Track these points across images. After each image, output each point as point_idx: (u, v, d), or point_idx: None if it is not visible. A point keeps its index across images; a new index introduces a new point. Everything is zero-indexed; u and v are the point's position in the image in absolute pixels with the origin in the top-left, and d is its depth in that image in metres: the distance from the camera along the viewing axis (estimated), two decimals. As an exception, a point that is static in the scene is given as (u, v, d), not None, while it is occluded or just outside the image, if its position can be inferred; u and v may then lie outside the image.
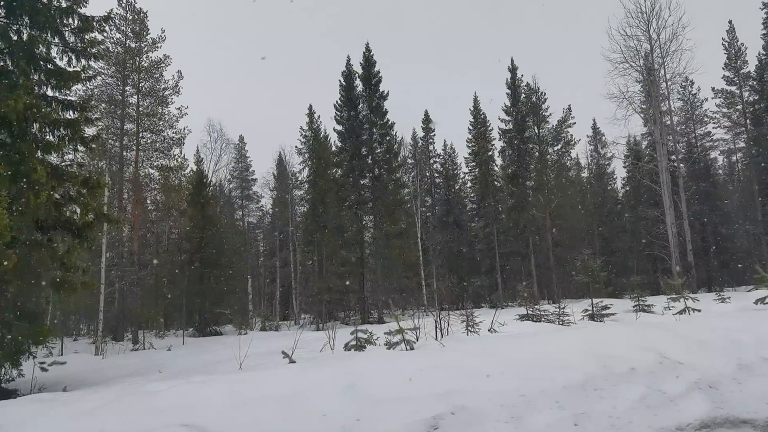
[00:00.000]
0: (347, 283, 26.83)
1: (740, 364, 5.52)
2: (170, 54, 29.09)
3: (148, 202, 28.67)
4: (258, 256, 47.05)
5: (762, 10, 29.19)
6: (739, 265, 31.14)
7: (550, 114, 35.45)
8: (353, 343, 8.12)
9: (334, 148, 32.76)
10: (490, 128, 38.31)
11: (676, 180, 26.24)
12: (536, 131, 35.60)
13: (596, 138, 43.29)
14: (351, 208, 29.76)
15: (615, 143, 38.89)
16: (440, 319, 9.21)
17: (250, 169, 45.88)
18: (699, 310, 10.00)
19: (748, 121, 31.24)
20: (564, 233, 34.90)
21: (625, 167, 37.71)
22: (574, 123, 35.71)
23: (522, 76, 35.71)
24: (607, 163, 42.72)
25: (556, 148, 36.88)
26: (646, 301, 12.79)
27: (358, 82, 30.90)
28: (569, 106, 35.45)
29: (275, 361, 8.01)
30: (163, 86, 27.08)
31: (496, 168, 38.28)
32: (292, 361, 7.13)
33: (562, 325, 10.92)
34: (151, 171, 27.10)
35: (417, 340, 7.72)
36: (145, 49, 26.66)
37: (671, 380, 5.09)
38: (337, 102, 30.76)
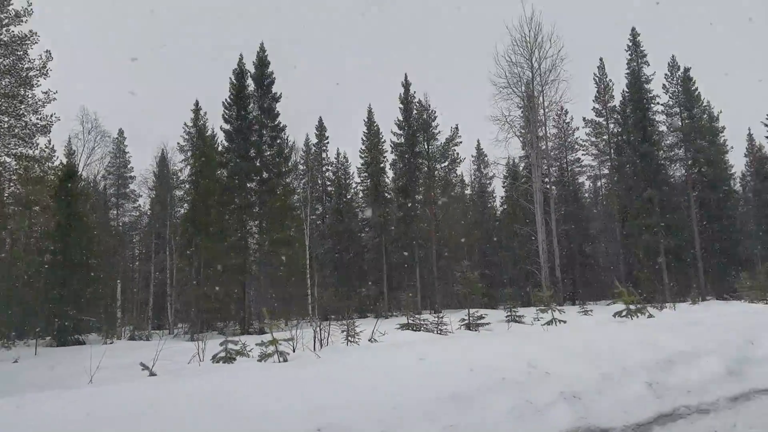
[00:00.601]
0: (229, 291, 25.55)
1: (602, 373, 5.75)
2: (41, 32, 25.98)
3: (5, 195, 25.31)
4: (133, 260, 43.56)
5: (626, 51, 32.58)
6: (601, 280, 34.22)
7: (439, 132, 36.82)
8: (222, 354, 7.51)
9: (220, 148, 31.25)
10: (382, 140, 38.85)
11: (548, 201, 28.26)
12: (426, 147, 36.71)
13: (479, 158, 45.68)
14: (236, 211, 28.44)
15: (496, 164, 41.23)
16: (320, 329, 8.90)
17: (129, 166, 42.37)
18: (565, 321, 10.59)
19: (612, 150, 34.62)
20: (448, 246, 36.18)
21: (504, 187, 40.14)
22: (461, 142, 37.31)
23: (414, 92, 36.76)
24: (488, 182, 45.26)
25: (443, 165, 38.26)
26: (517, 312, 13.39)
27: (250, 81, 29.88)
28: (456, 125, 37.03)
29: (134, 374, 7.20)
30: (27, 65, 24.10)
31: (387, 180, 38.83)
32: (152, 374, 6.43)
33: (440, 334, 11.04)
34: (8, 159, 23.92)
35: (294, 351, 7.36)
36: (6, 21, 23.59)
37: (539, 390, 5.14)
38: (226, 100, 29.44)
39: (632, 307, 11.34)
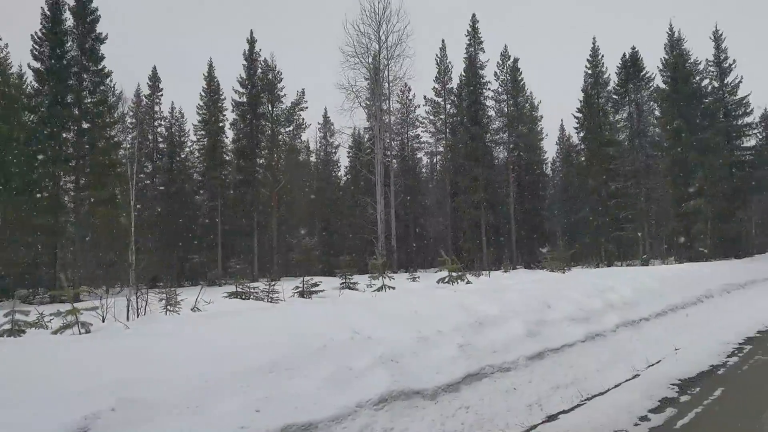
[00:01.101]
0: (38, 254, 22.35)
1: (421, 337, 5.95)
2: None
3: None
4: None
5: (466, 37, 34.57)
6: (433, 250, 36.64)
7: (285, 95, 35.73)
8: (7, 326, 6.41)
9: (29, 90, 26.82)
10: (223, 97, 36.59)
11: (388, 173, 29.24)
12: (270, 109, 35.44)
13: (326, 126, 45.51)
14: (47, 164, 24.75)
15: (341, 132, 41.46)
16: (137, 297, 8.10)
17: None
18: (394, 288, 10.97)
19: (447, 129, 36.81)
20: (290, 213, 35.70)
21: (348, 156, 40.61)
22: (307, 107, 36.72)
23: (260, 50, 35.08)
24: (334, 150, 45.38)
25: (288, 129, 37.36)
26: (352, 279, 13.59)
27: (69, 15, 25.89)
28: (303, 90, 36.30)
29: None
30: None
31: (227, 140, 36.82)
32: None
33: (271, 302, 10.76)
34: None
35: (103, 322, 6.58)
36: None
37: (360, 356, 5.14)
38: (36, 33, 25.18)
39: (454, 274, 12.16)
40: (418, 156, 41.17)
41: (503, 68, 35.78)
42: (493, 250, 33.38)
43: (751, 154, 31.79)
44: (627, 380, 5.85)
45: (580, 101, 33.86)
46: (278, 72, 35.61)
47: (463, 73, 35.09)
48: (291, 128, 37.46)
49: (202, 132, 36.97)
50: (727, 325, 9.29)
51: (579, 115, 34.20)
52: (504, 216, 33.87)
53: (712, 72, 29.93)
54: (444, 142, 36.86)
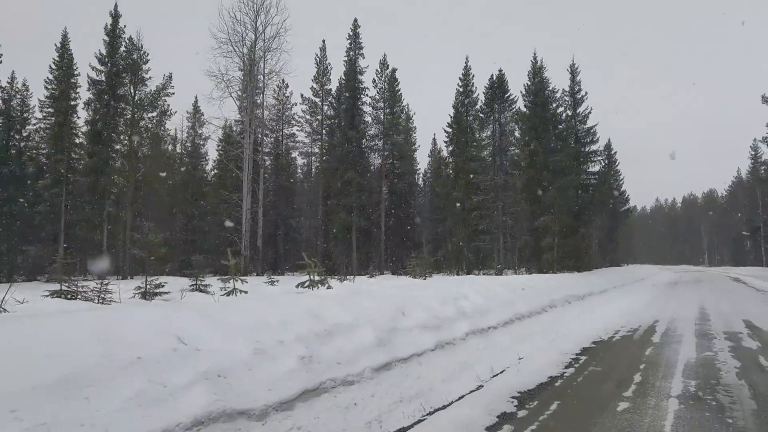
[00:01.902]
0: None
1: (257, 348, 5.35)
2: None
3: None
4: None
5: (347, 40, 34.49)
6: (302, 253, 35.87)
7: (150, 78, 32.92)
8: None
9: None
10: (77, 73, 32.76)
11: (258, 170, 28.03)
12: (132, 91, 32.42)
13: (196, 116, 42.80)
14: None
15: (209, 123, 39.18)
16: None
17: None
18: (246, 292, 10.20)
19: (324, 131, 36.38)
20: (149, 206, 32.89)
21: (218, 150, 38.43)
22: (173, 93, 34.16)
23: (125, 26, 32.00)
24: (202, 143, 42.76)
25: (151, 116, 34.50)
26: (204, 281, 12.54)
27: None
28: (170, 74, 33.72)
29: None
30: None
31: (78, 121, 32.99)
32: None
33: (102, 303, 9.45)
34: None
35: None
36: None
37: (180, 370, 4.43)
38: None
39: (315, 278, 11.66)
40: (293, 155, 40.29)
41: (381, 76, 36.28)
42: (363, 256, 33.50)
43: (595, 178, 35.35)
44: (471, 392, 5.75)
45: (451, 117, 35.41)
46: (144, 52, 32.74)
47: (343, 76, 34.99)
48: (155, 114, 34.65)
49: (50, 109, 32.80)
50: (568, 334, 9.84)
51: (449, 129, 35.71)
52: (375, 222, 34.21)
53: (567, 101, 32.88)
54: (320, 143, 36.41)
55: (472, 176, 32.31)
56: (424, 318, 7.89)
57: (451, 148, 35.81)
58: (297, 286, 11.90)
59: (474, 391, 5.77)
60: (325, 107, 35.74)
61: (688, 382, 5.44)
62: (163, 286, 11.77)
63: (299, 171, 44.90)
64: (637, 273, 38.20)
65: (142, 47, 32.54)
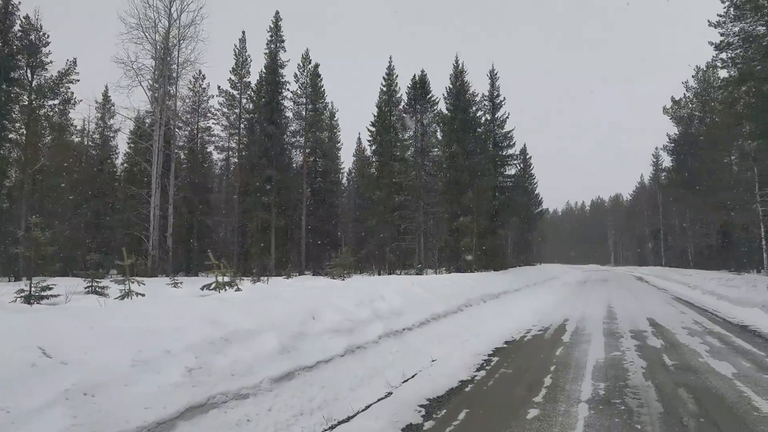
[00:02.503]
0: None
1: (139, 359, 4.72)
2: None
3: None
4: None
5: (268, 33, 33.40)
6: (219, 252, 34.26)
7: (52, 62, 30.19)
8: None
9: None
10: (-38, 53, 29.40)
11: (169, 164, 26.44)
12: (29, 76, 29.60)
13: (105, 107, 39.86)
14: None
15: (118, 113, 36.61)
16: None
17: None
18: (143, 294, 9.32)
19: (242, 125, 35.01)
20: (50, 200, 30.26)
21: (128, 143, 36.00)
22: (79, 80, 31.55)
23: (20, 2, 29.09)
24: (112, 135, 39.90)
25: (53, 103, 31.72)
26: (100, 283, 11.45)
27: None
28: (75, 59, 31.14)
29: None
30: None
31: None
32: None
33: (-33, 310, 8.23)
34: None
35: None
36: None
37: (37, 389, 3.76)
38: None
39: (222, 280, 10.94)
40: (209, 150, 38.49)
41: (304, 71, 35.48)
42: (283, 256, 32.55)
43: (511, 181, 36.47)
44: (379, 400, 5.41)
45: (374, 116, 35.26)
46: (44, 33, 29.96)
47: (263, 69, 33.82)
48: (57, 102, 31.86)
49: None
50: (482, 334, 9.79)
51: (373, 129, 35.54)
52: (296, 221, 33.35)
53: (487, 106, 33.65)
54: (237, 138, 34.97)
55: (395, 176, 32.30)
56: (337, 321, 7.48)
57: (374, 147, 35.68)
58: (202, 288, 11.10)
59: (382, 399, 5.44)
60: (244, 100, 34.37)
61: (598, 384, 5.41)
62: (51, 288, 10.60)
63: (216, 167, 43.03)
64: (549, 272, 39.86)
65: (41, 28, 29.80)
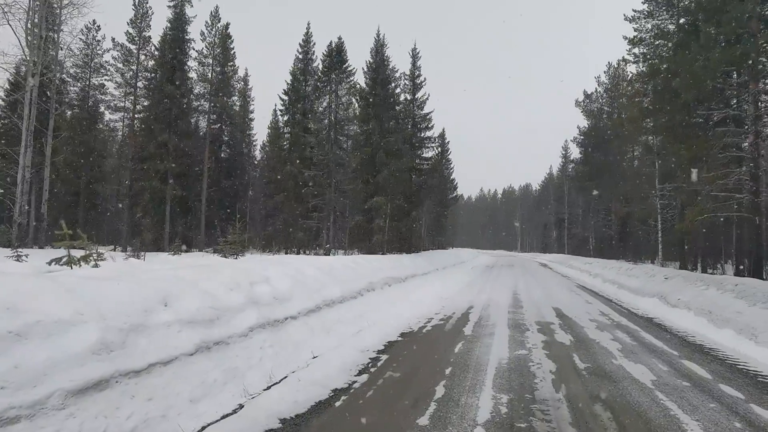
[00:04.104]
0: None
1: None
2: None
3: None
4: None
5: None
6: (112, 222, 31.03)
7: None
8: None
9: None
10: None
11: (48, 121, 23.17)
12: None
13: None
14: None
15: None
16: None
17: None
18: (-48, 270, 7.32)
19: (139, 84, 31.60)
20: None
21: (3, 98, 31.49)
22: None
23: None
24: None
25: None
26: None
27: None
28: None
29: None
30: None
31: None
32: None
33: None
34: None
35: None
36: None
37: None
38: None
39: (76, 254, 9.07)
40: (101, 110, 34.52)
41: (212, 30, 32.57)
42: (181, 230, 29.99)
43: (428, 164, 35.90)
44: (223, 417, 4.13)
45: (288, 84, 33.13)
46: None
47: (168, 24, 30.60)
48: None
49: None
50: (379, 323, 8.74)
51: (285, 97, 33.43)
52: (197, 193, 30.76)
53: (407, 85, 32.63)
54: (133, 97, 31.48)
55: (306, 150, 30.52)
56: (195, 308, 6.04)
57: (286, 118, 33.64)
58: (50, 263, 9.14)
59: (228, 415, 4.15)
60: (142, 57, 30.90)
61: (500, 398, 4.41)
62: None
63: (109, 128, 38.86)
64: (460, 256, 40.12)
65: None
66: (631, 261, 28.88)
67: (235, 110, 36.81)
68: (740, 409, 4.26)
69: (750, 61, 15.30)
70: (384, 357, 6.02)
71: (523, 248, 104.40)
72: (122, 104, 33.12)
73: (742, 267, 17.47)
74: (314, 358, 6.24)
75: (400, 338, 7.30)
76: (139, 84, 31.07)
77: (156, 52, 29.86)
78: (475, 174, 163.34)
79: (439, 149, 48.06)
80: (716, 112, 17.26)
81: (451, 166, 53.64)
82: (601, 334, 7.93)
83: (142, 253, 15.58)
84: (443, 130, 50.55)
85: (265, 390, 4.88)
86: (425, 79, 32.48)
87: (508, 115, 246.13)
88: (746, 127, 16.11)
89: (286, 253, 29.12)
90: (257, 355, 5.98)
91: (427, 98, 32.64)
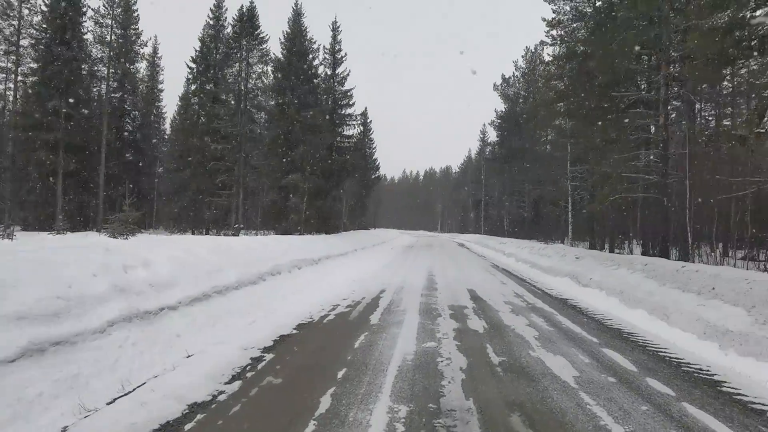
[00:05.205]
0: None
1: None
2: None
3: None
4: None
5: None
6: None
7: None
8: None
9: None
10: None
11: None
12: None
13: None
14: None
15: None
16: None
17: None
18: None
19: (24, 42, 27.89)
20: None
21: None
22: None
23: None
24: None
25: None
26: None
27: None
28: None
29: None
30: None
31: None
32: None
33: None
34: None
35: None
36: None
37: None
38: None
39: None
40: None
41: (112, -13, 29.38)
42: (76, 207, 27.22)
43: (350, 142, 34.89)
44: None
45: (196, 50, 30.67)
46: None
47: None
48: None
49: None
50: (277, 311, 7.84)
51: (193, 65, 30.95)
52: (93, 167, 27.93)
53: (327, 60, 31.29)
54: (15, 57, 27.85)
55: (216, 120, 28.38)
56: (34, 300, 4.88)
57: (194, 87, 31.21)
58: None
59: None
60: (26, 10, 27.30)
61: (397, 409, 3.62)
62: None
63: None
64: (381, 236, 39.75)
65: None
66: (543, 241, 29.62)
67: (140, 78, 33.84)
68: (674, 410, 3.79)
69: (661, 45, 15.59)
70: (269, 357, 5.11)
71: (443, 229, 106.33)
72: (2, 64, 29.22)
73: (646, 247, 18.08)
74: (188, 357, 5.25)
75: (295, 330, 6.42)
76: (24, 42, 27.49)
77: (43, 7, 26.45)
78: (399, 156, 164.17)
79: (362, 128, 47.10)
80: (629, 95, 17.58)
81: (374, 145, 52.84)
82: (516, 319, 7.48)
83: (14, 233, 13.57)
84: (365, 108, 49.58)
85: (108, 404, 3.85)
86: (346, 54, 31.34)
87: (433, 99, 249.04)
88: (657, 110, 16.49)
89: (193, 234, 27.23)
90: (112, 357, 4.90)
91: (348, 74, 31.55)
